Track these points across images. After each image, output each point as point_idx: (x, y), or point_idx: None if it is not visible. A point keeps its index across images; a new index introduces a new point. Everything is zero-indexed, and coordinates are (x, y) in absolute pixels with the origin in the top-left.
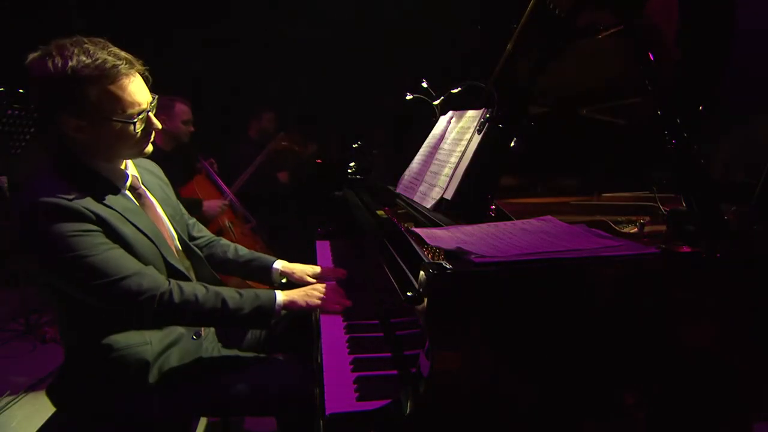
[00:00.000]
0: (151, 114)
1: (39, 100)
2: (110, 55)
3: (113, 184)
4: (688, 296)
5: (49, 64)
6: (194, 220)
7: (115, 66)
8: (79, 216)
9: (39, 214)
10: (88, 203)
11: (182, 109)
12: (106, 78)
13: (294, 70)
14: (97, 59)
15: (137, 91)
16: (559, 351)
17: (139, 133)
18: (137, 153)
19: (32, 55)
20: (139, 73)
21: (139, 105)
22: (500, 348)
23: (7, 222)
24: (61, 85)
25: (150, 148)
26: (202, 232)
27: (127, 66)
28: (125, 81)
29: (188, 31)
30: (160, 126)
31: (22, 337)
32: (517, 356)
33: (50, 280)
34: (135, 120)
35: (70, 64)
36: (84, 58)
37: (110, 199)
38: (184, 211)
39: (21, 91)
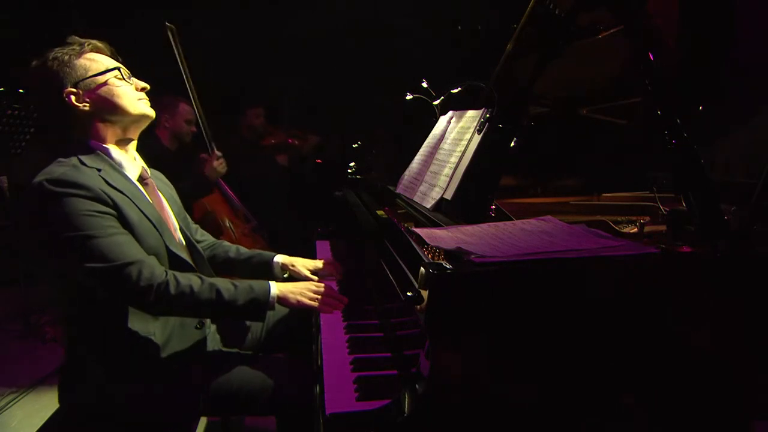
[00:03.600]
0: (131, 78)
1: (45, 89)
2: (75, 42)
3: (123, 170)
4: (688, 296)
5: (40, 62)
6: (197, 225)
7: (80, 44)
8: (94, 196)
9: (55, 190)
10: (102, 185)
11: (185, 109)
12: (78, 51)
13: (294, 70)
14: (67, 44)
15: (103, 58)
16: (560, 351)
17: (126, 89)
18: (137, 115)
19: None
20: (107, 53)
21: (106, 66)
22: (500, 348)
23: (7, 222)
24: (54, 69)
25: (148, 110)
26: (205, 236)
27: (91, 45)
28: (95, 51)
29: (188, 30)
30: (147, 86)
31: (22, 337)
32: (518, 356)
33: (54, 261)
34: (109, 70)
35: (51, 54)
36: (58, 48)
37: (120, 183)
38: (188, 216)
39: (21, 91)
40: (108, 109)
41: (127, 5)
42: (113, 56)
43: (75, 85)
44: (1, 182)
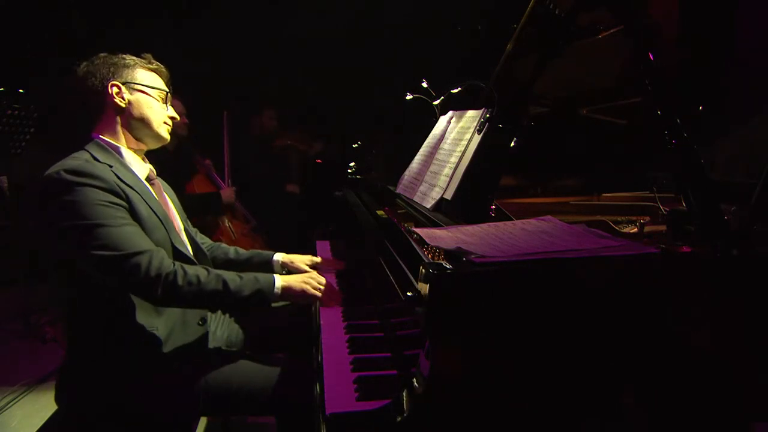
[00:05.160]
0: (169, 105)
1: (97, 72)
2: (147, 59)
3: (134, 169)
4: (688, 296)
5: (109, 54)
6: (196, 229)
7: (150, 62)
8: (108, 187)
9: (72, 179)
10: (115, 179)
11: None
12: (144, 64)
13: (295, 70)
14: (140, 56)
15: (159, 80)
16: (560, 351)
17: (160, 109)
18: (157, 135)
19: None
20: (163, 79)
21: (160, 88)
22: (500, 348)
23: (7, 222)
24: (116, 62)
25: (167, 135)
26: (204, 239)
27: (157, 66)
28: (156, 72)
29: (188, 30)
30: (177, 117)
31: (22, 337)
32: (517, 356)
33: (64, 251)
34: (155, 88)
35: (122, 54)
36: (132, 54)
37: (130, 180)
38: (188, 221)
39: (21, 91)
40: (137, 115)
41: (127, 5)
42: (167, 85)
43: (123, 83)
44: (1, 182)
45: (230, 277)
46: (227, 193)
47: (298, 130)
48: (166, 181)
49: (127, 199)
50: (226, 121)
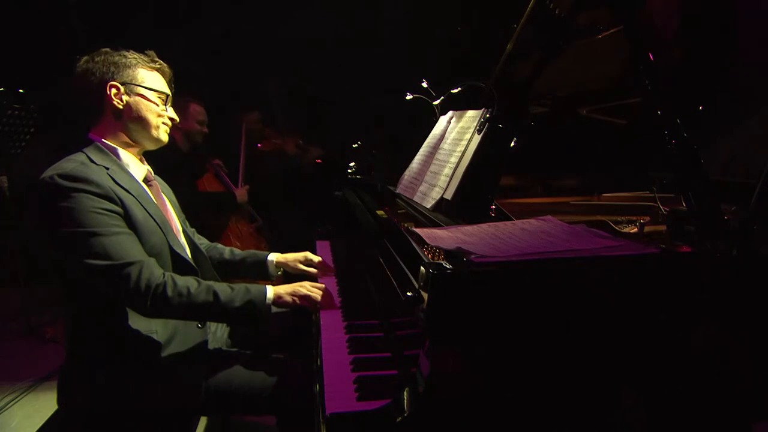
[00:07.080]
0: (169, 106)
1: (97, 72)
2: (150, 56)
3: (131, 171)
4: (688, 296)
5: (111, 50)
6: (194, 229)
7: (153, 60)
8: (103, 193)
9: (66, 185)
10: (110, 182)
11: (197, 110)
12: (146, 63)
13: (294, 70)
14: (143, 53)
15: (161, 80)
16: (559, 351)
17: (158, 111)
18: (154, 138)
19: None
20: (165, 79)
21: (159, 90)
22: (500, 348)
23: (7, 222)
24: (116, 61)
25: (165, 138)
26: (201, 239)
27: (159, 65)
28: (159, 71)
29: (188, 31)
30: (177, 118)
31: (22, 337)
32: (517, 356)
33: (58, 255)
34: (154, 90)
35: (123, 51)
36: (133, 51)
37: (127, 182)
38: (187, 221)
39: (21, 91)
40: (134, 117)
41: (126, 6)
42: (168, 84)
43: (122, 84)
44: (1, 182)
45: (221, 288)
46: (240, 193)
47: (290, 129)
48: (178, 180)
49: (122, 204)
50: (244, 124)
